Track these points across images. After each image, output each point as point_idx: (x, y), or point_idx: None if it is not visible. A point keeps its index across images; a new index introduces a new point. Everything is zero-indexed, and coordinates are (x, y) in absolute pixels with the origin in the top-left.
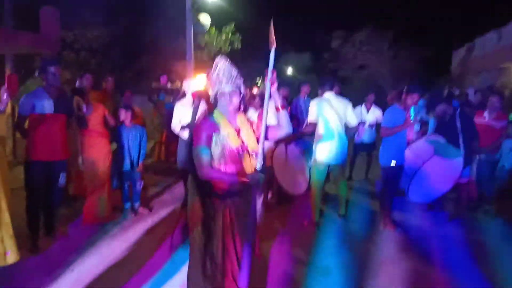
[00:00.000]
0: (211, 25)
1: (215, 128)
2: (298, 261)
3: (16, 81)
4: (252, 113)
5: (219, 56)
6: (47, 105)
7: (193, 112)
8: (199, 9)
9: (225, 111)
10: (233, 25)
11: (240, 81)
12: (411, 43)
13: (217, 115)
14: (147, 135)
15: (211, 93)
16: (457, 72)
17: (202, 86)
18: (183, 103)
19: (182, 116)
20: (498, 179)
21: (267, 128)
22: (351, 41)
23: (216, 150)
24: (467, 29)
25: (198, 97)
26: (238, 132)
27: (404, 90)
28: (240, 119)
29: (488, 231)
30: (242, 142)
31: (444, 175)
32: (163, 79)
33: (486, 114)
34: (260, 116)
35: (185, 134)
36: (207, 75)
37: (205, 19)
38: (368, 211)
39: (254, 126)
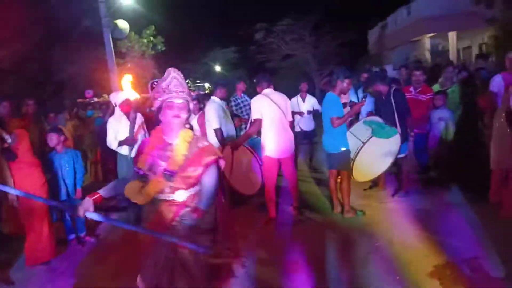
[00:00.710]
0: (131, 30)
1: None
2: (265, 261)
3: None
4: (191, 118)
5: (172, 68)
6: None
7: (130, 126)
8: (115, 16)
9: (166, 125)
10: (153, 27)
11: (190, 97)
12: (330, 28)
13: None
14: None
15: (154, 103)
16: (374, 51)
17: (133, 96)
18: (115, 117)
19: (117, 131)
20: (431, 148)
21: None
22: (274, 31)
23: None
24: (380, 8)
25: (134, 109)
26: (165, 149)
27: (335, 75)
28: (183, 135)
29: (432, 199)
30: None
31: (384, 154)
32: (88, 93)
33: (411, 89)
34: (200, 120)
35: (123, 150)
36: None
37: (123, 24)
38: (320, 199)
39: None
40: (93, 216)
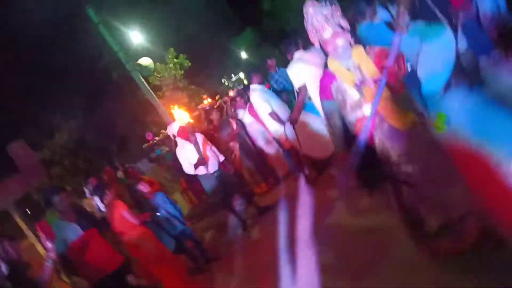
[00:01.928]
0: (154, 61)
1: (332, 77)
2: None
3: (47, 225)
4: (243, 113)
5: (306, 2)
6: (74, 232)
7: (196, 148)
8: (136, 57)
9: (335, 56)
10: (172, 49)
11: (338, 15)
12: None
13: (330, 63)
14: (167, 192)
15: (314, 43)
16: None
17: (184, 122)
18: (179, 146)
19: (187, 157)
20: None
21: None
22: None
23: (339, 98)
24: None
25: (191, 133)
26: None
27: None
28: (356, 52)
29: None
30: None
31: (443, 54)
32: (148, 136)
33: None
34: (250, 112)
35: (201, 171)
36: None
37: (145, 61)
38: None
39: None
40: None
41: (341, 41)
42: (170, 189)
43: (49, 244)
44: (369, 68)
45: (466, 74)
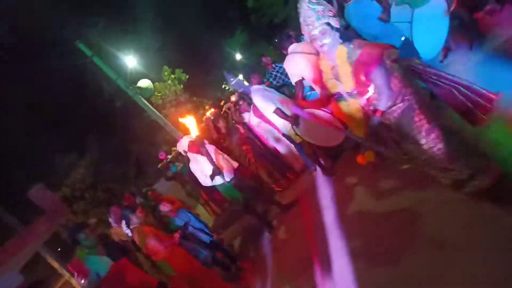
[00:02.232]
0: (152, 82)
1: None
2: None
3: (78, 262)
4: (249, 116)
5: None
6: (105, 264)
7: (209, 160)
8: (134, 81)
9: (324, 51)
10: (166, 67)
11: (328, 15)
12: None
13: (321, 60)
14: (190, 207)
15: (306, 37)
16: None
17: (193, 135)
18: (192, 161)
19: (202, 170)
20: None
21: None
22: None
23: None
24: None
25: (201, 145)
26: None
27: None
28: (338, 54)
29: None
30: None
31: (436, 18)
32: (161, 155)
33: None
34: (256, 113)
35: (218, 181)
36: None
37: (144, 83)
38: None
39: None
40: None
41: (328, 39)
42: (191, 203)
43: (83, 281)
44: (346, 78)
45: (463, 33)
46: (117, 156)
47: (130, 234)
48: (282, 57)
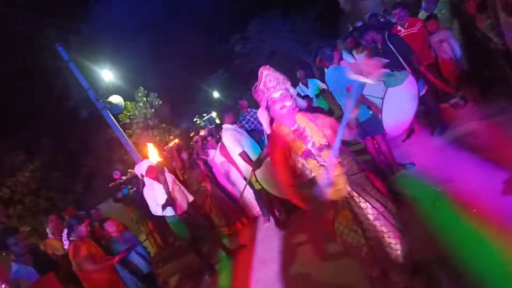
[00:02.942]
0: (125, 99)
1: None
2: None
3: (2, 269)
4: (214, 153)
5: (262, 66)
6: (30, 275)
7: (164, 188)
8: (105, 95)
9: (280, 117)
10: (142, 88)
11: (287, 84)
12: (297, 9)
13: (276, 126)
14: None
15: (261, 104)
16: (348, 8)
17: (154, 161)
18: (147, 186)
19: (155, 197)
20: (445, 72)
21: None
22: (249, 37)
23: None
24: None
25: (160, 173)
26: (300, 132)
27: (327, 52)
28: (299, 117)
29: (472, 118)
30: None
31: (406, 99)
32: (116, 174)
33: (399, 27)
34: (222, 151)
35: (169, 212)
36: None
37: (116, 99)
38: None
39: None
40: None
41: (289, 102)
42: (135, 231)
43: (3, 286)
44: (315, 134)
45: (428, 119)
46: (68, 167)
47: (67, 246)
48: (257, 104)
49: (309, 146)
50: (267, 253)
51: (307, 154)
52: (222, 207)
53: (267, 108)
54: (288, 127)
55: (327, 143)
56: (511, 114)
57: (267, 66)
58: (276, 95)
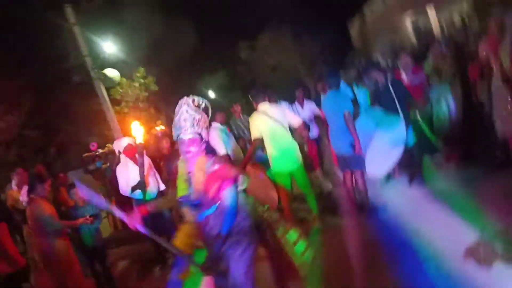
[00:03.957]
0: (122, 75)
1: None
2: None
3: None
4: None
5: (186, 98)
6: None
7: (139, 171)
8: (103, 66)
9: (184, 157)
10: (142, 70)
11: (202, 126)
12: (311, 31)
13: (180, 162)
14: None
15: (174, 135)
16: (359, 43)
17: (137, 141)
18: (122, 164)
19: (127, 177)
20: (436, 128)
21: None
22: (257, 47)
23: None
24: (354, 1)
25: (139, 154)
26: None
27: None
28: (198, 163)
29: (449, 179)
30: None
31: (393, 144)
32: (93, 146)
33: (402, 73)
34: None
35: (138, 195)
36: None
37: (112, 73)
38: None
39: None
40: (140, 228)
41: (194, 148)
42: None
43: None
44: (197, 186)
45: (409, 168)
46: (46, 127)
47: (25, 202)
48: (250, 112)
49: (190, 193)
50: None
51: (182, 201)
52: None
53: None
54: (186, 167)
55: (201, 200)
56: (487, 183)
57: (190, 100)
58: (185, 137)
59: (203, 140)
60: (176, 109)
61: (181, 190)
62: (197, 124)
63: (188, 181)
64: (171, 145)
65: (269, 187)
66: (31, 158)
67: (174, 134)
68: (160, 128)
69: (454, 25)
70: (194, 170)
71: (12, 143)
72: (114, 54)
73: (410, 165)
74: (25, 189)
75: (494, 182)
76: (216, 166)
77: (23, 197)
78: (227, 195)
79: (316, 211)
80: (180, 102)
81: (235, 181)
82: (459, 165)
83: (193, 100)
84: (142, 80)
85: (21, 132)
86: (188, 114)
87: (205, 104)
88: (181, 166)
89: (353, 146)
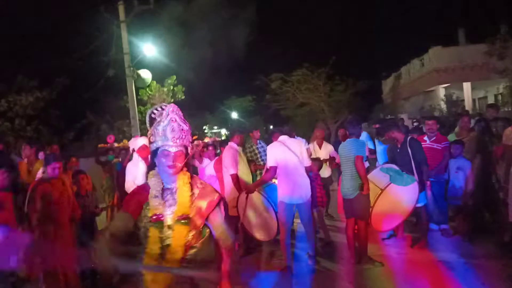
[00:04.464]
0: (154, 79)
1: (145, 193)
2: None
3: None
4: (207, 163)
5: (169, 104)
6: None
7: (147, 172)
8: (139, 66)
9: (162, 171)
10: (174, 77)
11: (188, 138)
12: (343, 78)
13: (150, 176)
14: (98, 199)
15: (150, 146)
16: (389, 100)
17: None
18: (133, 162)
19: (135, 176)
20: (449, 198)
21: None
22: (289, 81)
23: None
24: (392, 59)
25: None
26: (169, 192)
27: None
28: (182, 178)
29: (451, 250)
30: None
31: (402, 202)
32: (110, 138)
33: (426, 138)
34: (216, 165)
35: None
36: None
37: (145, 74)
38: (337, 248)
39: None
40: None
41: (179, 163)
42: (100, 198)
43: None
44: (183, 201)
45: (413, 231)
46: (71, 111)
47: (41, 173)
48: (268, 141)
49: (167, 211)
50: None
51: (157, 220)
52: None
53: (153, 153)
54: (163, 181)
55: (187, 217)
56: (489, 262)
57: (177, 109)
58: (174, 149)
59: (187, 154)
60: (163, 117)
61: (155, 209)
62: (185, 137)
63: (167, 199)
64: None
65: (269, 218)
66: (47, 137)
67: (156, 144)
68: None
69: (486, 104)
70: (177, 185)
71: (34, 118)
72: (152, 57)
73: (415, 228)
74: (40, 171)
75: (495, 264)
76: (201, 185)
77: (38, 174)
78: (216, 217)
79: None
80: (166, 110)
81: (219, 205)
82: (465, 238)
83: (179, 111)
84: (172, 87)
85: (46, 110)
86: (176, 124)
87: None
88: (154, 180)
89: (362, 187)
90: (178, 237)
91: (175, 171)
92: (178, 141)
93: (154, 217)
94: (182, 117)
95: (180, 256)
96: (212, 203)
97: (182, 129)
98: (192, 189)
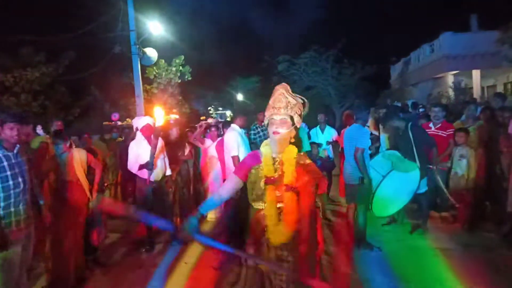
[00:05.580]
0: (160, 58)
1: (257, 159)
2: None
3: None
4: (210, 144)
5: (282, 84)
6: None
7: (151, 151)
8: (145, 44)
9: (271, 140)
10: (182, 57)
11: (296, 111)
12: (352, 62)
13: (263, 145)
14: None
15: (264, 120)
16: (396, 86)
17: (159, 122)
18: (136, 141)
19: (137, 155)
20: (451, 186)
21: None
22: (297, 63)
23: (251, 183)
24: (402, 44)
25: (155, 135)
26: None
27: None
28: (288, 151)
29: (451, 239)
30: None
31: (404, 188)
32: (114, 116)
33: (431, 124)
34: (218, 146)
35: (143, 174)
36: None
37: (151, 52)
38: (337, 232)
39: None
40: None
41: (283, 130)
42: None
43: None
44: (289, 172)
45: (414, 217)
46: (77, 87)
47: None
48: None
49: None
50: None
51: (272, 182)
52: (187, 200)
53: (267, 126)
54: (273, 152)
55: (295, 187)
56: (487, 252)
57: (285, 85)
58: (277, 117)
59: (294, 126)
60: (273, 93)
61: (269, 171)
62: (290, 107)
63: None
64: (177, 133)
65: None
66: (52, 113)
67: (267, 115)
68: (174, 117)
69: (494, 93)
70: (283, 157)
71: (40, 93)
72: (160, 36)
73: (416, 214)
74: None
75: (494, 254)
76: (306, 161)
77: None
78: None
79: None
80: (275, 89)
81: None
82: (465, 227)
83: (287, 88)
84: (179, 67)
85: (52, 86)
86: (283, 96)
87: (303, 100)
88: (266, 149)
89: (362, 180)
90: (289, 201)
91: (279, 137)
92: (283, 110)
93: (268, 179)
94: (290, 91)
95: (295, 219)
96: (323, 186)
97: (288, 101)
98: (297, 163)
